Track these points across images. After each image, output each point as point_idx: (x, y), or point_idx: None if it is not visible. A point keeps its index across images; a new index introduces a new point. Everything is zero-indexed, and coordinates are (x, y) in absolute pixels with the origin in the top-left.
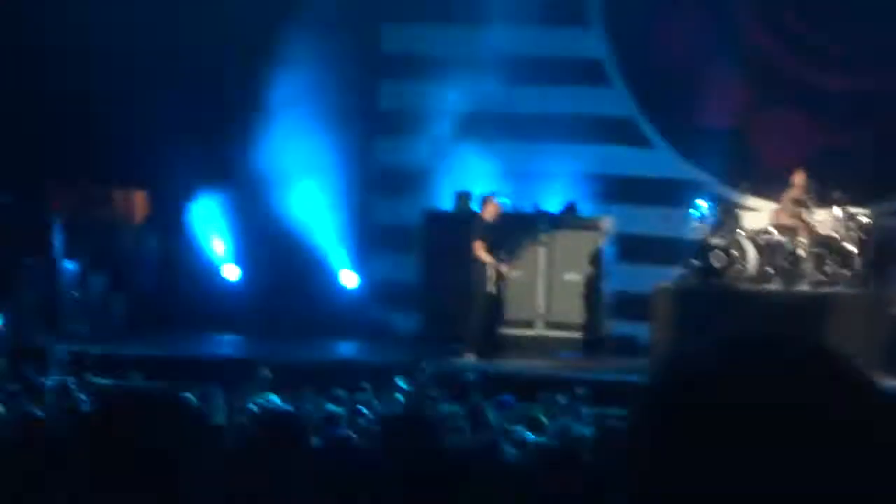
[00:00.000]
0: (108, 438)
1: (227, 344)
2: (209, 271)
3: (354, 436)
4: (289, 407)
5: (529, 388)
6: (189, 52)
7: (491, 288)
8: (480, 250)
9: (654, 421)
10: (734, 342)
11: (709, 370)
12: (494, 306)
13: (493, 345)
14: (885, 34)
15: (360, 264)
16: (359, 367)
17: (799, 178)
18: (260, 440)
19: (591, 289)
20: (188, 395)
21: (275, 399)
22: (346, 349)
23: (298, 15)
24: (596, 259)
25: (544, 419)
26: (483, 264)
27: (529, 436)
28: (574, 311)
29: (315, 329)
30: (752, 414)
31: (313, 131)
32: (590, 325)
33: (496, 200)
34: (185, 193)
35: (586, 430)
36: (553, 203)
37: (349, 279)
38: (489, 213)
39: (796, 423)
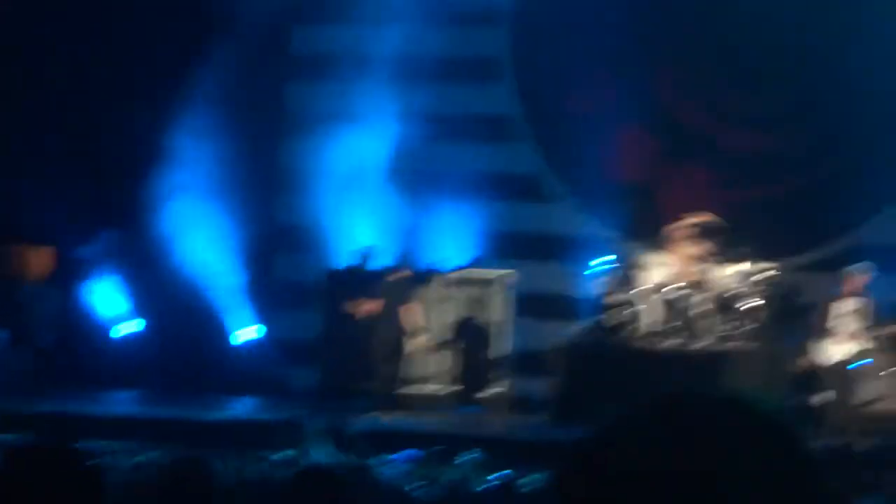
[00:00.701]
0: (9, 495)
1: (123, 401)
2: (108, 327)
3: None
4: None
5: (428, 445)
6: (81, 102)
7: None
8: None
9: (583, 481)
10: (664, 401)
11: (640, 430)
12: (397, 362)
13: (396, 400)
14: (792, 93)
15: (260, 320)
16: (255, 425)
17: (692, 234)
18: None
19: (495, 345)
20: (85, 448)
21: None
22: (244, 406)
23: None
24: (498, 315)
25: (442, 475)
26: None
27: (427, 491)
28: (475, 367)
29: (213, 385)
30: (683, 470)
31: (214, 188)
32: (490, 382)
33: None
34: (84, 249)
35: (481, 487)
36: (455, 260)
37: (248, 335)
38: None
39: (727, 477)
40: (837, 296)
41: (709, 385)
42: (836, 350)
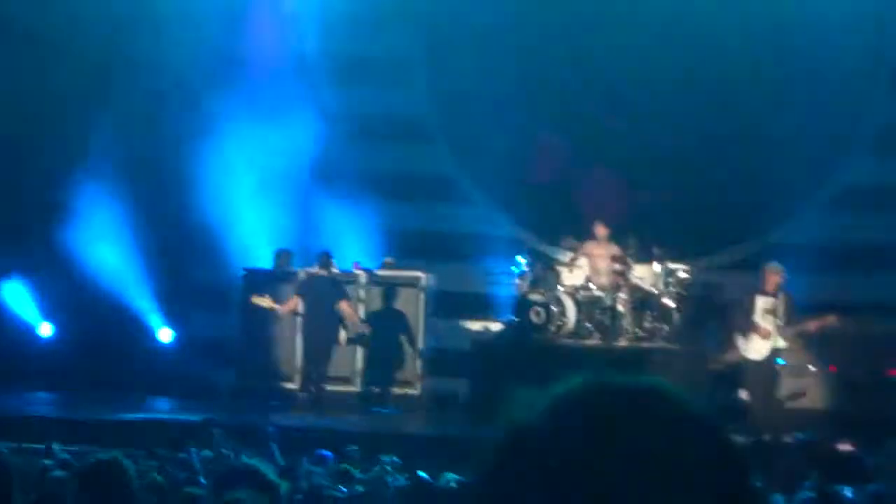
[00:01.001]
0: None
1: (41, 402)
2: (24, 329)
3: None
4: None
5: (344, 444)
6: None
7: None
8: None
9: (504, 477)
10: (585, 390)
11: (562, 418)
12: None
13: (312, 400)
14: (706, 93)
15: (178, 321)
16: (171, 425)
17: (601, 231)
18: None
19: (410, 345)
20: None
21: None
22: (162, 405)
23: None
24: (415, 315)
25: (358, 474)
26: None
27: (342, 490)
28: (392, 367)
29: (131, 386)
30: (605, 458)
31: (127, 191)
32: (407, 382)
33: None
34: None
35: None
36: (372, 260)
37: (166, 336)
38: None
39: (648, 466)
40: (753, 294)
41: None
42: (752, 348)
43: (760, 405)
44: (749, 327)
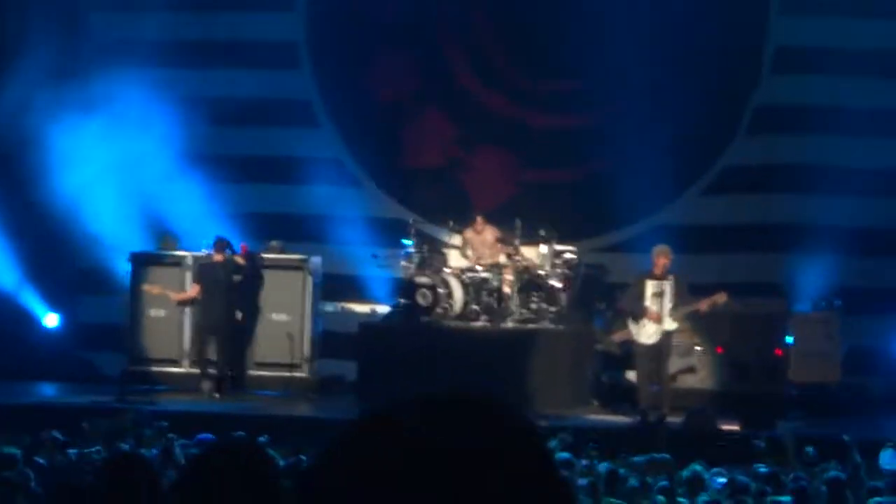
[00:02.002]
0: None
1: None
2: None
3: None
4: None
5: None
6: None
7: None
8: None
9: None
10: (413, 401)
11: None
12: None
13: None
14: (589, 75)
15: (64, 306)
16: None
17: (479, 224)
18: None
19: (299, 328)
20: None
21: None
22: (49, 390)
23: None
24: (303, 298)
25: None
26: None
27: None
28: (281, 351)
29: (17, 372)
30: (429, 465)
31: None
32: (297, 365)
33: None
34: None
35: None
36: (260, 243)
37: (52, 321)
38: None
39: (469, 472)
40: (643, 277)
41: (515, 365)
42: (643, 331)
43: (648, 386)
44: (639, 310)
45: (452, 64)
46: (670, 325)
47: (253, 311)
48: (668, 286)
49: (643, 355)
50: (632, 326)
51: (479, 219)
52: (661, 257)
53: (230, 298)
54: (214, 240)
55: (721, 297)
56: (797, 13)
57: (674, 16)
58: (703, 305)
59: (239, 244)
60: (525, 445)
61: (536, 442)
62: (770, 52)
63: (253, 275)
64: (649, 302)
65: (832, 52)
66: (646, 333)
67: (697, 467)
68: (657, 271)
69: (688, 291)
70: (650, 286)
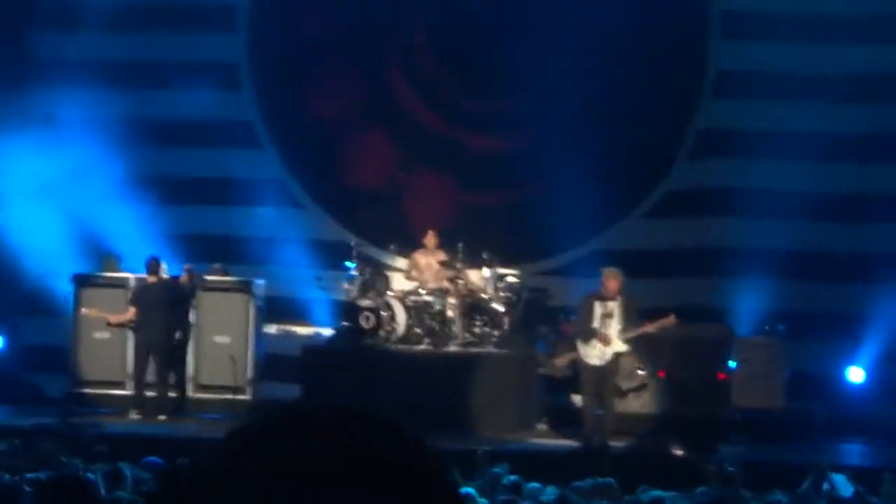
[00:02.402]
0: None
1: None
2: None
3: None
4: None
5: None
6: None
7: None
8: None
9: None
10: (278, 415)
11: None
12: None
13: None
14: (527, 97)
15: (7, 328)
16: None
17: (431, 240)
18: None
19: (242, 351)
20: None
21: None
22: None
23: None
24: (245, 321)
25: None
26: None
27: None
28: (224, 373)
29: None
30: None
31: None
32: (240, 388)
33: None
34: None
35: None
36: (202, 265)
37: None
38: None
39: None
40: (592, 299)
41: (458, 389)
42: (591, 353)
43: (593, 409)
44: (588, 331)
45: (393, 85)
46: (619, 346)
47: (191, 333)
48: (616, 308)
49: (589, 377)
50: (580, 347)
51: (429, 237)
52: (612, 279)
53: (168, 320)
54: (147, 261)
55: (670, 321)
56: (738, 37)
57: (615, 38)
58: (652, 328)
59: (182, 266)
60: (411, 455)
61: (421, 451)
62: (711, 75)
63: (192, 296)
64: (597, 323)
65: (772, 76)
66: (593, 355)
67: (655, 492)
68: (606, 293)
69: (637, 314)
70: (598, 307)
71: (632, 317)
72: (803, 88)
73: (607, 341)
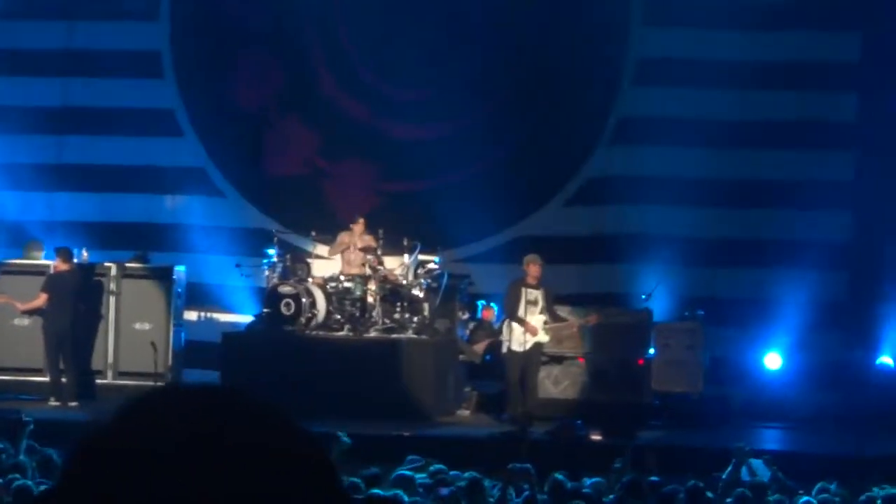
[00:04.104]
0: None
1: None
2: None
3: None
4: None
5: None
6: None
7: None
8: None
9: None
10: (146, 396)
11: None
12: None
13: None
14: (449, 85)
15: None
16: None
17: (359, 227)
18: None
19: (162, 338)
20: None
21: None
22: None
23: None
24: (166, 308)
25: None
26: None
27: None
28: (144, 360)
29: None
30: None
31: None
32: (160, 374)
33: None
34: None
35: None
36: (123, 252)
37: None
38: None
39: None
40: (518, 286)
41: (378, 374)
42: (516, 339)
43: (514, 394)
44: (518, 320)
45: (315, 73)
46: (542, 337)
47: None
48: (539, 296)
49: (513, 362)
50: (505, 331)
51: (351, 223)
52: (532, 266)
53: (77, 307)
54: (57, 249)
55: (593, 319)
56: (658, 24)
57: (535, 26)
58: (576, 326)
59: (80, 251)
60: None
61: (295, 432)
62: (631, 63)
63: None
64: (523, 310)
65: (691, 62)
66: (518, 340)
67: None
68: (530, 280)
69: (552, 302)
70: (525, 293)
71: (551, 306)
72: (721, 74)
73: (535, 334)
